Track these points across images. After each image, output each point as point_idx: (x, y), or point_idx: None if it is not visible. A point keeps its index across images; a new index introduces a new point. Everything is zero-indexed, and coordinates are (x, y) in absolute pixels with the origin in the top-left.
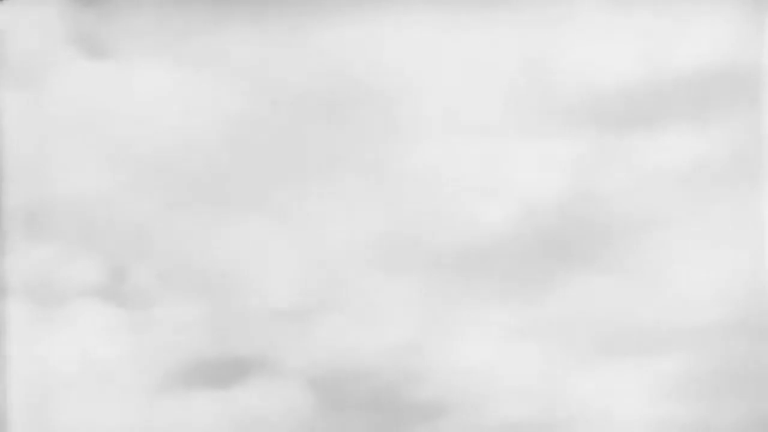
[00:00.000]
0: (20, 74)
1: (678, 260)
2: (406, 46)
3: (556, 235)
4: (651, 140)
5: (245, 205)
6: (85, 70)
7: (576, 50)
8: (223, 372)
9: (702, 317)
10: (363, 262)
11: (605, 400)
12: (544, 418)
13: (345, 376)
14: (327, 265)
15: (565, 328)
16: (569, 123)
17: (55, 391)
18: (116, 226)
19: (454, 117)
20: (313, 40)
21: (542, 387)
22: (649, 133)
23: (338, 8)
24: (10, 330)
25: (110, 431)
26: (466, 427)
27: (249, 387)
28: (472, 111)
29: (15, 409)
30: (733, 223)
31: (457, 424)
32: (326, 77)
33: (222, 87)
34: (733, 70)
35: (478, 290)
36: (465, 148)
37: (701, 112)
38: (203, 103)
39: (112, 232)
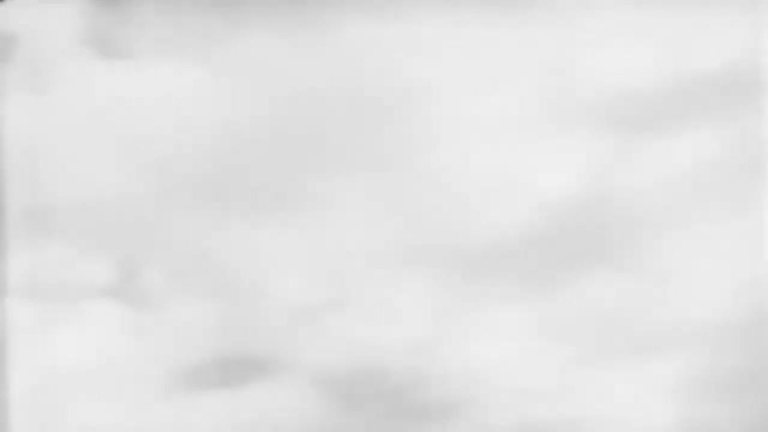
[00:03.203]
0: (34, 74)
1: (694, 261)
2: (423, 46)
3: (571, 236)
4: (668, 142)
5: (257, 204)
6: (100, 70)
7: (594, 53)
8: (233, 372)
9: (718, 317)
10: (375, 262)
11: (619, 400)
12: (558, 418)
13: (357, 375)
14: (339, 264)
15: (578, 328)
16: (586, 124)
17: (64, 392)
18: (127, 226)
19: (470, 117)
20: (331, 40)
21: (556, 387)
22: (667, 135)
23: (355, 10)
24: (19, 330)
25: (120, 431)
26: (479, 427)
27: (260, 386)
28: (489, 111)
29: (23, 409)
30: (750, 224)
31: (470, 424)
32: (343, 77)
33: (237, 87)
34: (751, 73)
35: (491, 290)
36: (481, 148)
37: (719, 115)
38: (217, 104)
39: (123, 232)
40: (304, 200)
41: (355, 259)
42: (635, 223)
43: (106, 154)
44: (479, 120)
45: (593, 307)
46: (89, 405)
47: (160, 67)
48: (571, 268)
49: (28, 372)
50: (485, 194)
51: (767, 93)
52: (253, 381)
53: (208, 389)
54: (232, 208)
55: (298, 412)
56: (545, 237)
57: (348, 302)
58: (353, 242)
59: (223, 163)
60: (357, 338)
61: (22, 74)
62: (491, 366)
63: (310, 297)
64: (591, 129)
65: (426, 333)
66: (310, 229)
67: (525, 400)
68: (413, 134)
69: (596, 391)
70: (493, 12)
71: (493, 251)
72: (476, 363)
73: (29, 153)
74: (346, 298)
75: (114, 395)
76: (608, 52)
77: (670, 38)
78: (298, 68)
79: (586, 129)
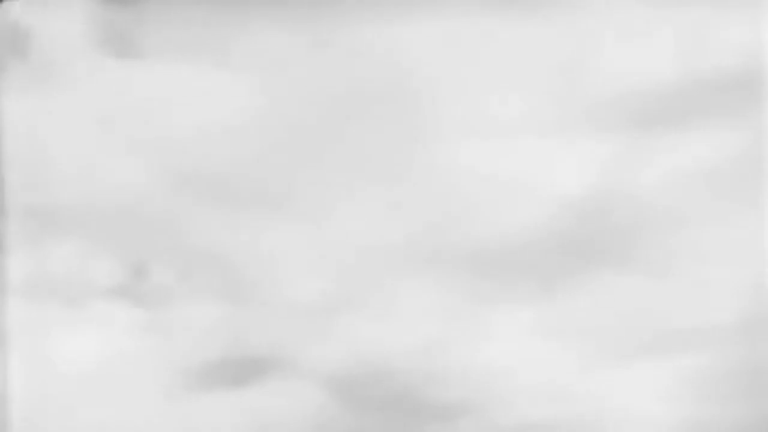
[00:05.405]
0: (46, 72)
1: (705, 260)
2: (435, 45)
3: (582, 235)
4: (681, 140)
5: (266, 204)
6: (112, 69)
7: (607, 50)
8: (241, 372)
9: (727, 316)
10: (384, 262)
11: (627, 400)
12: (566, 417)
13: (365, 376)
14: (348, 265)
15: (587, 328)
16: (598, 122)
17: (72, 391)
18: (137, 226)
19: (481, 116)
20: (345, 39)
21: (563, 387)
22: (680, 133)
23: (367, 8)
24: (26, 330)
25: (128, 431)
26: (487, 428)
27: (268, 387)
28: (500, 110)
29: (29, 409)
30: (762, 223)
31: (478, 424)
32: (355, 77)
33: (250, 85)
34: (764, 71)
35: (501, 290)
36: (492, 148)
37: (732, 113)
38: (229, 103)
39: (132, 232)
40: (314, 200)
41: (364, 259)
42: (647, 223)
43: (117, 153)
44: (491, 119)
45: (603, 307)
46: (97, 404)
47: (172, 67)
48: (582, 268)
49: (34, 371)
50: (496, 194)
51: None
52: (261, 381)
53: (216, 388)
54: (241, 207)
55: (306, 411)
56: (556, 237)
57: (357, 302)
58: (363, 243)
59: (233, 163)
60: (366, 338)
61: (33, 72)
62: (500, 366)
63: (320, 297)
64: (603, 128)
65: (435, 333)
66: (320, 230)
67: (534, 399)
68: (425, 134)
69: (605, 390)
70: (506, 12)
71: (503, 251)
72: (486, 363)
73: (40, 151)
74: (355, 299)
75: (122, 394)
76: (620, 51)
77: (685, 37)
78: (310, 68)
79: (597, 128)
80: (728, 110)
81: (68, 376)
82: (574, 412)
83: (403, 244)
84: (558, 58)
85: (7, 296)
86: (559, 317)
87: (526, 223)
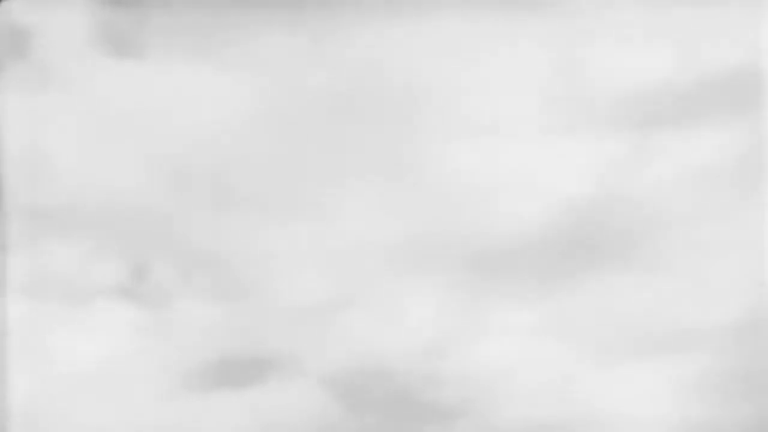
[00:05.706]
0: (47, 73)
1: (705, 260)
2: (434, 45)
3: (582, 235)
4: (682, 141)
5: (266, 204)
6: (111, 69)
7: (607, 50)
8: (243, 372)
9: (726, 317)
10: (385, 263)
11: (626, 401)
12: (566, 417)
13: (364, 376)
14: (348, 265)
15: (587, 328)
16: (599, 122)
17: (71, 391)
18: (137, 226)
19: (483, 117)
20: (343, 40)
21: (563, 388)
22: (680, 134)
23: (368, 10)
24: (26, 331)
25: (128, 431)
26: (487, 428)
27: (268, 387)
28: (501, 111)
29: (31, 409)
30: (762, 223)
31: (478, 424)
32: (356, 78)
33: (250, 87)
34: (764, 71)
35: (501, 291)
36: (493, 149)
37: (732, 113)
38: (229, 103)
39: (133, 232)
40: (314, 200)
41: (363, 259)
42: (647, 223)
43: (117, 153)
44: (491, 120)
45: (603, 308)
46: (97, 403)
47: (172, 67)
48: (582, 268)
49: (34, 371)
50: (496, 194)
51: None
52: (261, 381)
53: (216, 388)
54: (241, 208)
55: (306, 412)
56: (556, 237)
57: (357, 303)
58: (362, 243)
59: (233, 163)
60: (365, 339)
61: (33, 72)
62: (501, 366)
63: (319, 298)
64: (603, 128)
65: (435, 333)
66: (320, 230)
67: (534, 399)
68: (425, 134)
69: (605, 391)
70: (505, 12)
71: (503, 251)
72: (486, 363)
73: (40, 151)
74: (354, 299)
75: (122, 394)
76: (620, 51)
77: (684, 37)
78: (309, 69)
79: (597, 128)
80: (728, 110)
81: (68, 376)
82: (574, 412)
83: (403, 244)
84: (558, 58)
85: (7, 296)
86: (559, 317)
87: (526, 223)
